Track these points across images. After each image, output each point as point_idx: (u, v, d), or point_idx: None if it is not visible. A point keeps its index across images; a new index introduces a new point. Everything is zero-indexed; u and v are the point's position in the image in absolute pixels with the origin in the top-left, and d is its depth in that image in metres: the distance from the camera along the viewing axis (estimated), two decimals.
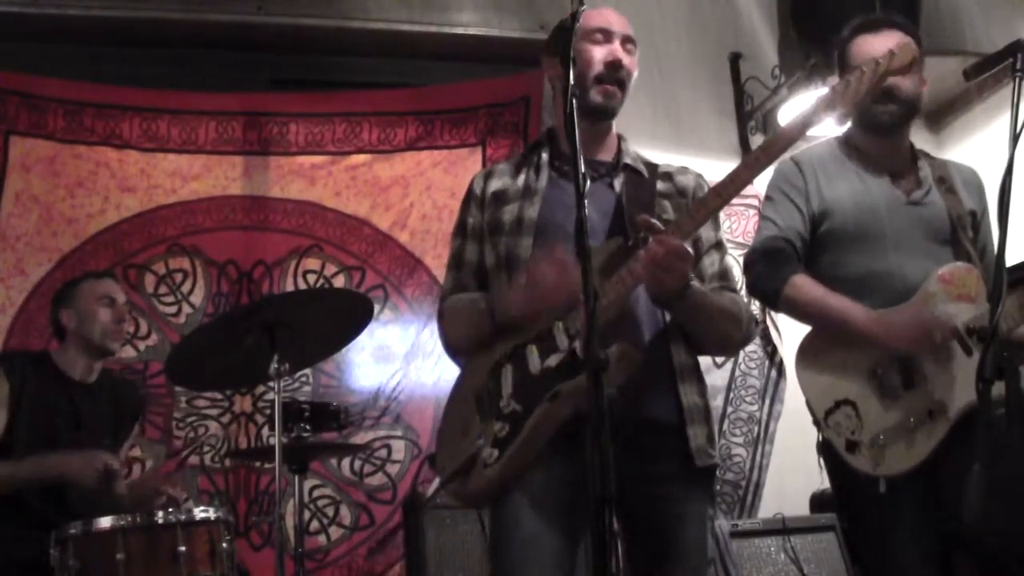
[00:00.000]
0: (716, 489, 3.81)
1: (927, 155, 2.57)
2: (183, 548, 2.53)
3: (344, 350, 3.65)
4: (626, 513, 1.91)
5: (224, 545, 2.64)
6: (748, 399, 4.24)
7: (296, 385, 3.93)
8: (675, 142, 4.20)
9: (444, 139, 4.26)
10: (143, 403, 3.47)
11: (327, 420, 3.21)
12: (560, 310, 1.90)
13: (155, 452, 3.76)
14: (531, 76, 4.18)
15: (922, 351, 2.23)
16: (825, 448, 2.34)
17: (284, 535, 3.00)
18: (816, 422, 2.34)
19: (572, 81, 1.61)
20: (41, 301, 3.68)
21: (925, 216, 2.41)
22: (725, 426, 4.18)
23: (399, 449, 3.96)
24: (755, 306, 3.64)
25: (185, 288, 3.97)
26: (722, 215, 2.21)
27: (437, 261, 4.05)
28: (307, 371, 3.90)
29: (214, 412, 3.85)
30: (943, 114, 4.55)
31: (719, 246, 2.14)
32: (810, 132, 1.90)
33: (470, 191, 2.21)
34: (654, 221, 1.86)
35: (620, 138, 2.20)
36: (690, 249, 1.84)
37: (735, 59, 4.60)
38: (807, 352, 2.40)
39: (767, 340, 4.22)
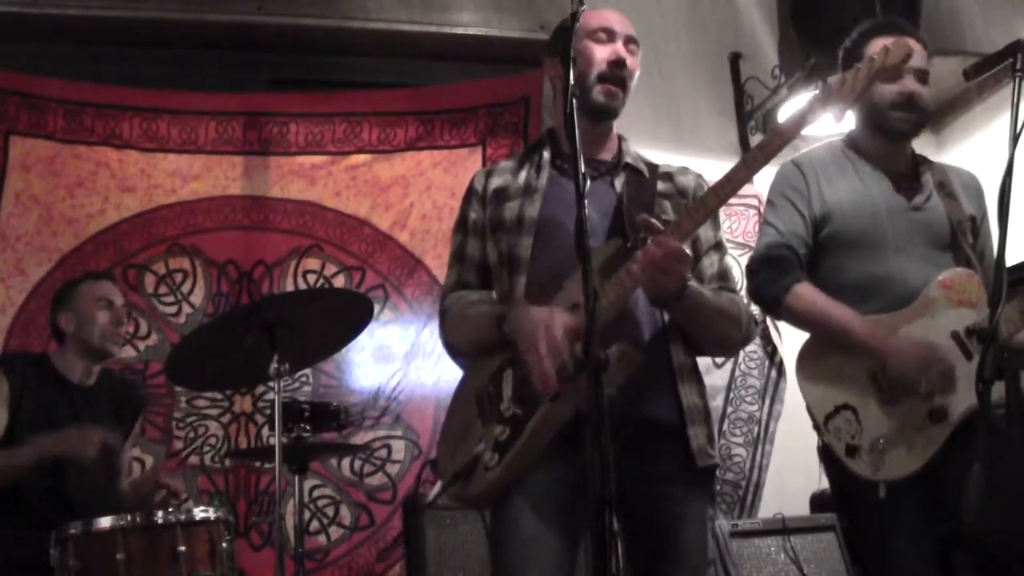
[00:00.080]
0: (716, 489, 3.81)
1: (927, 160, 2.57)
2: (183, 548, 2.53)
3: (344, 350, 3.65)
4: (626, 513, 1.91)
5: (224, 545, 2.64)
6: (748, 399, 4.23)
7: (296, 385, 3.92)
8: (675, 142, 4.20)
9: (444, 139, 4.26)
10: (143, 403, 3.46)
11: (327, 420, 3.20)
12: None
13: (155, 452, 3.76)
14: (531, 76, 4.17)
15: (917, 379, 2.23)
16: (825, 452, 2.34)
17: (284, 535, 3.00)
18: (816, 427, 2.34)
19: (572, 81, 1.61)
20: (41, 301, 3.67)
21: (926, 221, 2.41)
22: (725, 426, 4.18)
23: (399, 449, 3.95)
24: (755, 306, 3.64)
25: (185, 288, 3.96)
26: (722, 215, 2.21)
27: (437, 261, 4.05)
28: (307, 371, 3.90)
29: (214, 412, 3.85)
30: (943, 114, 4.53)
31: (718, 246, 2.13)
32: (809, 131, 1.90)
33: (471, 188, 2.21)
34: (653, 221, 1.85)
35: (620, 138, 2.20)
36: (688, 250, 1.83)
37: (735, 59, 4.60)
38: (807, 357, 2.40)
39: (767, 340, 4.21)
